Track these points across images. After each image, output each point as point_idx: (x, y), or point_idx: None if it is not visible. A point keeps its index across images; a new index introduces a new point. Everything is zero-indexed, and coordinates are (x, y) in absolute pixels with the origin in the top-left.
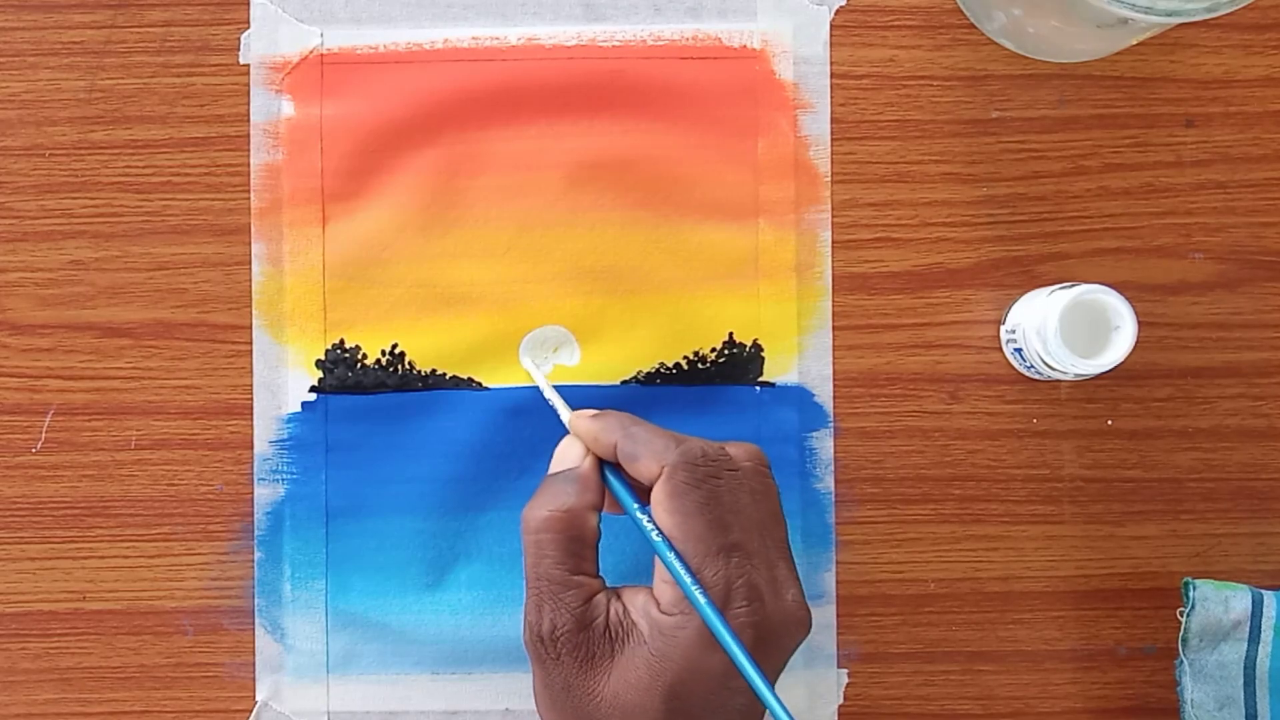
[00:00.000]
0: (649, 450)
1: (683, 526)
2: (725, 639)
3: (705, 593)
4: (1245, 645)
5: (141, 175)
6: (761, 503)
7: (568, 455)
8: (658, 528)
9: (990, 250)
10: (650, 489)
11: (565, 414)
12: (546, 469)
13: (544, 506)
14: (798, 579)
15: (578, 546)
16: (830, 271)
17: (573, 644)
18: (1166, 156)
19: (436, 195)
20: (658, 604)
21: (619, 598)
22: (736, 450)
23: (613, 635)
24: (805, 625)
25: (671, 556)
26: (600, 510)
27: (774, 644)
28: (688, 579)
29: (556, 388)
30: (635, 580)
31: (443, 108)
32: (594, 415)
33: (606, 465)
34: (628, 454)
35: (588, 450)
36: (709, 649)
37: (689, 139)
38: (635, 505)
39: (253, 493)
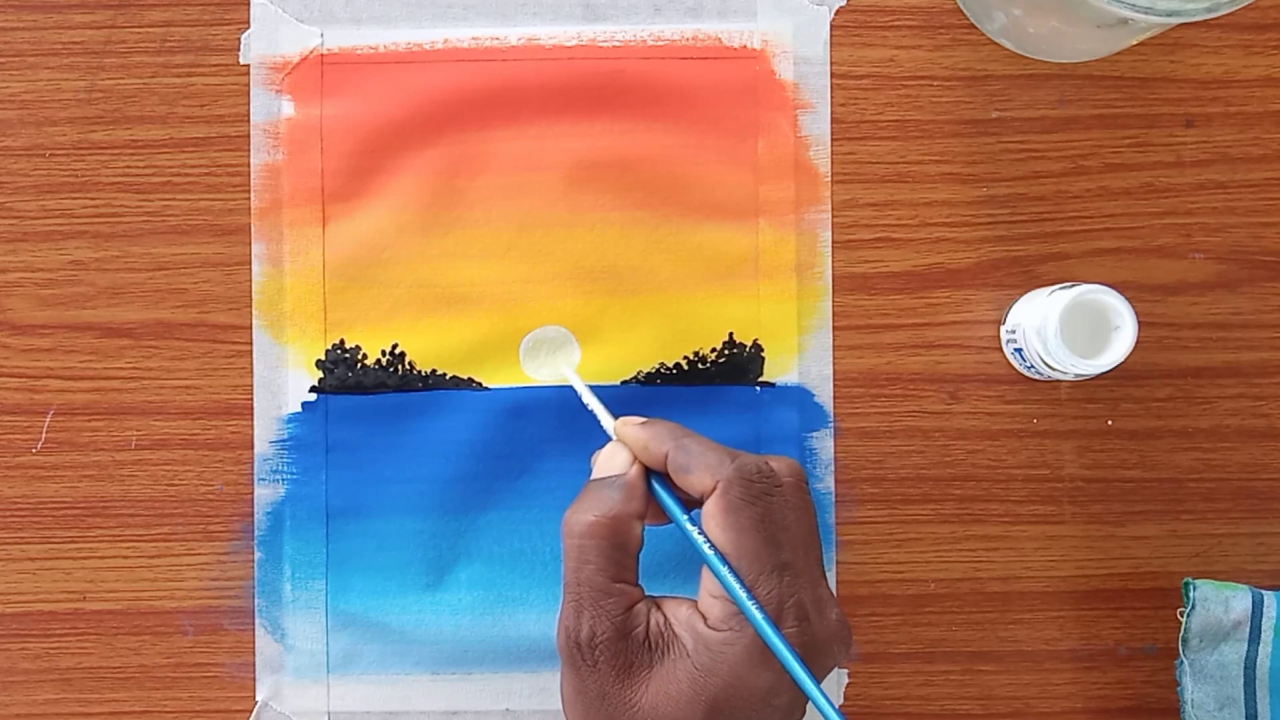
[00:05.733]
0: (702, 463)
1: (737, 542)
2: (786, 658)
3: (762, 609)
4: (1245, 645)
5: (141, 175)
6: (804, 520)
7: (613, 461)
8: (710, 541)
9: (990, 250)
10: (697, 501)
11: (608, 421)
12: (547, 469)
13: (589, 512)
14: (834, 597)
15: (621, 554)
16: (830, 271)
17: (611, 652)
18: (1166, 156)
19: (436, 195)
20: (704, 619)
21: (659, 608)
22: (779, 465)
23: (652, 645)
24: (847, 644)
25: (725, 571)
26: (644, 519)
27: (818, 662)
28: (744, 595)
29: (557, 388)
30: (660, 586)
31: (443, 108)
32: (643, 423)
33: (653, 474)
34: (680, 465)
35: (634, 458)
36: (757, 666)
37: (689, 139)
38: (685, 517)
39: (253, 493)
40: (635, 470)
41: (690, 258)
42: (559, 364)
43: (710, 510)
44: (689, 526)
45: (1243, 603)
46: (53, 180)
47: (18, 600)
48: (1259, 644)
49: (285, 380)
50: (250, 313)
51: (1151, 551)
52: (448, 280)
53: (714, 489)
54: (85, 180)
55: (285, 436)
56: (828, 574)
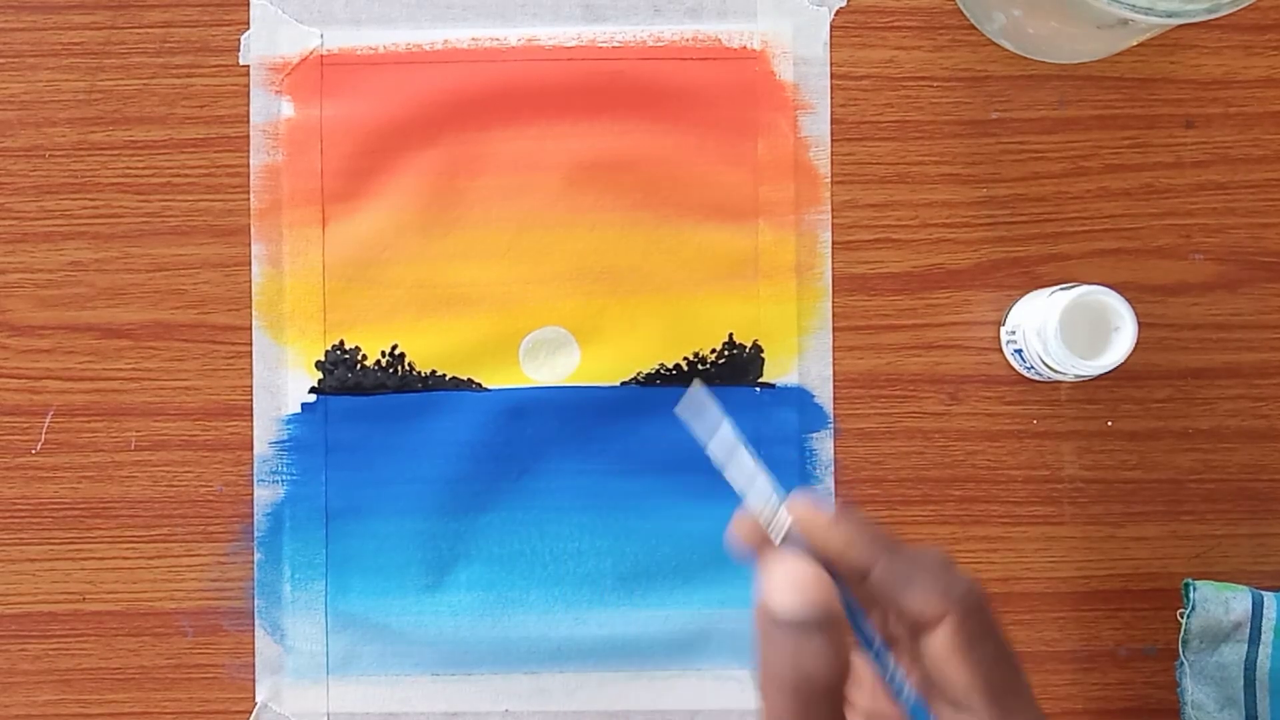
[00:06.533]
0: (927, 581)
1: (989, 679)
2: None
3: None
4: (1245, 647)
5: (141, 176)
6: None
7: (802, 589)
8: (913, 688)
9: (990, 251)
10: (882, 612)
11: (780, 511)
12: (547, 469)
13: (800, 679)
14: None
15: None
16: (830, 272)
17: None
18: (1166, 157)
19: (436, 196)
20: None
21: None
22: (963, 572)
23: None
24: None
25: None
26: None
27: None
28: None
29: (556, 389)
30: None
31: (442, 108)
32: (836, 516)
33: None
34: (897, 581)
35: (829, 580)
36: None
37: (689, 140)
38: (889, 657)
39: (252, 494)
40: (835, 601)
41: (690, 258)
42: (558, 367)
43: (948, 643)
44: (893, 669)
45: (1243, 604)
46: (52, 181)
47: (17, 601)
48: (1259, 645)
49: (285, 381)
50: (250, 313)
51: (1151, 552)
52: (447, 281)
53: (945, 614)
54: (85, 181)
55: (285, 437)
56: None
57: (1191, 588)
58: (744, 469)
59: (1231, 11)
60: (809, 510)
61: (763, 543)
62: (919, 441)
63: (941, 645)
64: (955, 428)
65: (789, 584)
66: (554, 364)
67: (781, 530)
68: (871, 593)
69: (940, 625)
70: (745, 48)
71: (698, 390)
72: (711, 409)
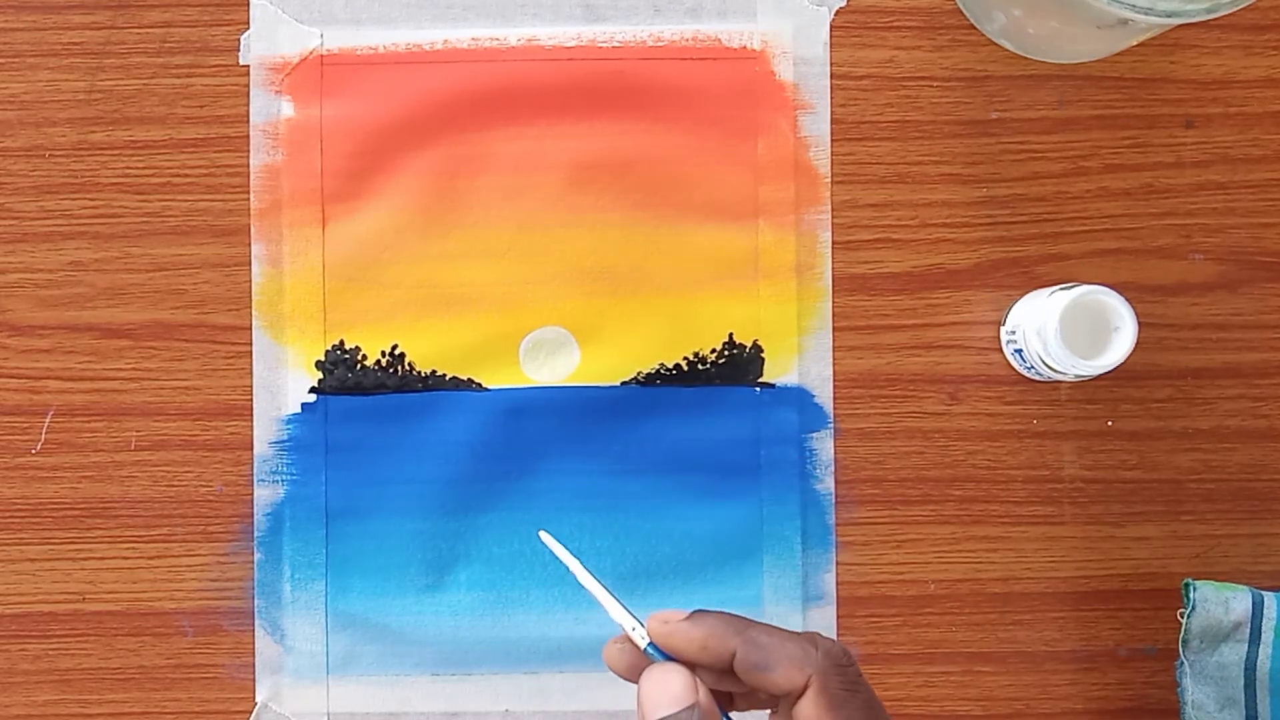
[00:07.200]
0: (782, 657)
1: None
2: None
3: None
4: (1246, 646)
5: (141, 176)
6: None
7: (669, 689)
8: None
9: (990, 251)
10: (767, 700)
11: (633, 626)
12: (547, 469)
13: None
14: None
15: None
16: (830, 272)
17: None
18: (1166, 157)
19: (436, 196)
20: None
21: None
22: (821, 639)
23: None
24: None
25: None
26: None
27: None
28: None
29: (556, 389)
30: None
31: (443, 109)
32: (689, 618)
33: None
34: (755, 664)
35: (693, 678)
36: None
37: (689, 140)
38: None
39: (252, 494)
40: (706, 698)
41: (690, 258)
42: (558, 367)
43: (811, 710)
44: None
45: (1243, 604)
46: (53, 180)
47: (17, 601)
48: (1259, 645)
49: (285, 381)
50: (250, 313)
51: (1151, 552)
52: (447, 281)
53: (806, 685)
54: (85, 181)
55: (285, 437)
56: (827, 575)
57: (1191, 588)
58: (608, 600)
59: (1231, 11)
60: (661, 623)
61: (632, 665)
62: (919, 441)
63: (809, 711)
64: (955, 428)
65: (657, 690)
66: (554, 364)
67: (644, 642)
68: (741, 678)
69: (805, 694)
70: (745, 48)
71: (547, 538)
72: (562, 551)
